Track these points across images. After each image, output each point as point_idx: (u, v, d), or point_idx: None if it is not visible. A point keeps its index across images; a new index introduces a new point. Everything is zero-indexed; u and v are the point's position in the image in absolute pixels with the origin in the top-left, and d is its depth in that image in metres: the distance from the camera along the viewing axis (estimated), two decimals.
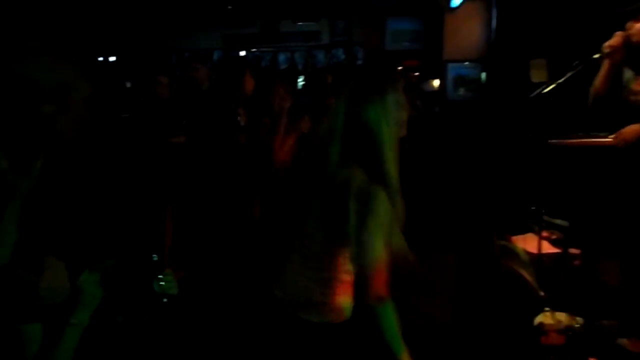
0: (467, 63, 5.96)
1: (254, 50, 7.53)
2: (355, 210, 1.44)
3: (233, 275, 3.10)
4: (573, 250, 3.47)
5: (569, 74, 2.69)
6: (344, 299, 1.60)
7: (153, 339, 2.41)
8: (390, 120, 1.49)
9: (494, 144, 4.77)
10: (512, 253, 3.17)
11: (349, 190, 1.46)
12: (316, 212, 1.57)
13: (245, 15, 7.34)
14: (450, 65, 6.00)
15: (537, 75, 4.26)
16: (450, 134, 5.34)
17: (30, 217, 1.37)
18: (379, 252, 1.44)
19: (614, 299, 2.81)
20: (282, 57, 7.34)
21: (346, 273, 1.59)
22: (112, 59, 8.00)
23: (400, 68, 6.09)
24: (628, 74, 2.62)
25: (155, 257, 1.76)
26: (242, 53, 7.62)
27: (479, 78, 5.90)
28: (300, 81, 6.40)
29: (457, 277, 3.22)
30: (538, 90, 2.76)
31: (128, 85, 7.68)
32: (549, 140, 2.91)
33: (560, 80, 2.71)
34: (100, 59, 7.87)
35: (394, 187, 1.48)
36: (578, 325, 2.66)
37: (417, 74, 6.22)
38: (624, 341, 2.60)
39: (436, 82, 6.24)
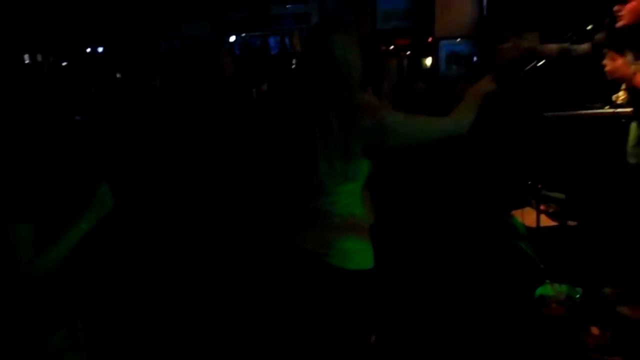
0: (459, 40, 5.92)
1: (243, 35, 7.47)
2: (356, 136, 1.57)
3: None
4: (571, 223, 3.50)
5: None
6: (362, 242, 1.68)
7: None
8: (355, 55, 1.64)
9: (490, 119, 4.77)
10: (512, 227, 3.20)
11: (342, 123, 1.57)
12: (323, 157, 1.61)
13: (234, 0, 7.25)
14: (442, 42, 5.96)
15: None
16: (443, 112, 5.31)
17: None
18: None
19: (613, 268, 2.85)
20: (272, 41, 7.27)
21: (362, 215, 1.69)
22: (100, 49, 7.92)
23: (391, 47, 6.05)
24: None
25: None
26: (232, 38, 7.56)
27: (472, 55, 5.85)
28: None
29: (458, 252, 3.25)
30: (531, 65, 2.75)
31: (118, 76, 7.60)
32: (545, 114, 2.91)
33: None
34: (88, 50, 7.79)
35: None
36: (578, 296, 2.69)
37: (408, 52, 6.17)
38: (624, 309, 2.64)
39: (428, 61, 6.19)
